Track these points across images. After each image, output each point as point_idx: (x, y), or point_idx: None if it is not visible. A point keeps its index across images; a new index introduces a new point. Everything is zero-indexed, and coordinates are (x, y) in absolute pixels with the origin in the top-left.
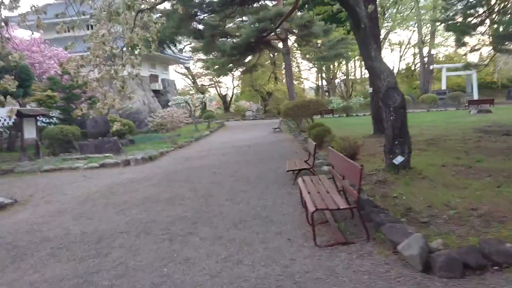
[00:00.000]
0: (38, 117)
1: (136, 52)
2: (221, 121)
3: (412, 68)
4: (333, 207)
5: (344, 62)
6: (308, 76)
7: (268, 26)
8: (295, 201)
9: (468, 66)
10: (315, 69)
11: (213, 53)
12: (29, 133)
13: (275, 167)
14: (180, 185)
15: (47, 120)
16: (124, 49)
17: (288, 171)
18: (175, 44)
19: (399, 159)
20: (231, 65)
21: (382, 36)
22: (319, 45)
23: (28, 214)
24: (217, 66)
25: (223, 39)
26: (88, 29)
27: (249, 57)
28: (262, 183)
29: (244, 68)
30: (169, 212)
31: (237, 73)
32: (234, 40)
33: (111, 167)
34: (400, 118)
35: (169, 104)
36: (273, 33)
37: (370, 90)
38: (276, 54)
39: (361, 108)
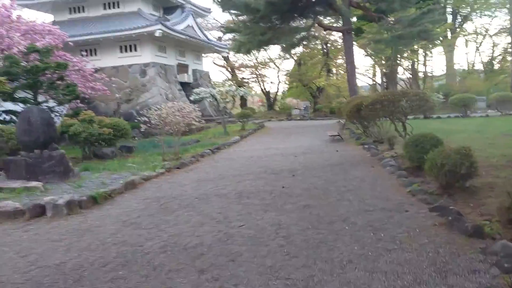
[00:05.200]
0: None
1: None
2: (261, 121)
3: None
4: None
5: (408, 53)
6: (367, 70)
7: None
8: None
9: None
10: (371, 62)
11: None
12: None
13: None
14: None
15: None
16: None
17: None
18: None
19: None
20: (265, 36)
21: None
22: (391, 22)
23: None
24: (247, 36)
25: None
26: None
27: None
28: None
29: (287, 44)
30: None
31: (284, 66)
32: None
33: (4, 221)
34: None
35: (191, 98)
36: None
37: None
38: (328, 44)
39: (440, 108)
